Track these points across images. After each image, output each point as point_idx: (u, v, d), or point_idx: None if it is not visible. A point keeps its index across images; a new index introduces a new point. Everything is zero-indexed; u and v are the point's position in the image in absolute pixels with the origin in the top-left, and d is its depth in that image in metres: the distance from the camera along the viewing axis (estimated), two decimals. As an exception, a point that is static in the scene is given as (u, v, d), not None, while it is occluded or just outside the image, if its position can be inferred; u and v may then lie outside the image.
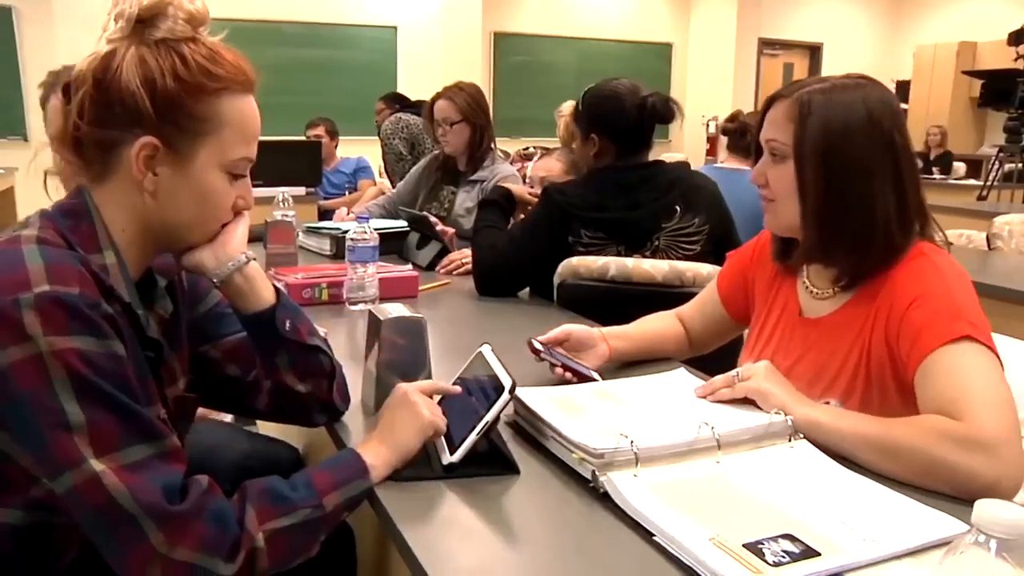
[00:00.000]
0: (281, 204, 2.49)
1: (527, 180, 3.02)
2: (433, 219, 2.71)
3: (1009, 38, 7.91)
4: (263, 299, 1.13)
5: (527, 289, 2.26)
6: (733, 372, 1.26)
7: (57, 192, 1.08)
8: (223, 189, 1.05)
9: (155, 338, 1.04)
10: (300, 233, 2.80)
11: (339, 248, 2.57)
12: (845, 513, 0.96)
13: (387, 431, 1.10)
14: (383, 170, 5.72)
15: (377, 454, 1.06)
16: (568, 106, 2.45)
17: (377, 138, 5.36)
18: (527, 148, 5.91)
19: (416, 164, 3.51)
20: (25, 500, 0.94)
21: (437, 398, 1.20)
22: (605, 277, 2.03)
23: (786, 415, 1.15)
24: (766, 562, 0.85)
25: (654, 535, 0.93)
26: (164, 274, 1.13)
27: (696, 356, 1.66)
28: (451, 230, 2.70)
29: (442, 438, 1.13)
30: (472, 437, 1.08)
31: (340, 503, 1.00)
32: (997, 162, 7.50)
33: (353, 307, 1.97)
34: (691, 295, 1.72)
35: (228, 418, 2.02)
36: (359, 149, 6.51)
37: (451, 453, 1.09)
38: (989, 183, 7.35)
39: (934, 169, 8.52)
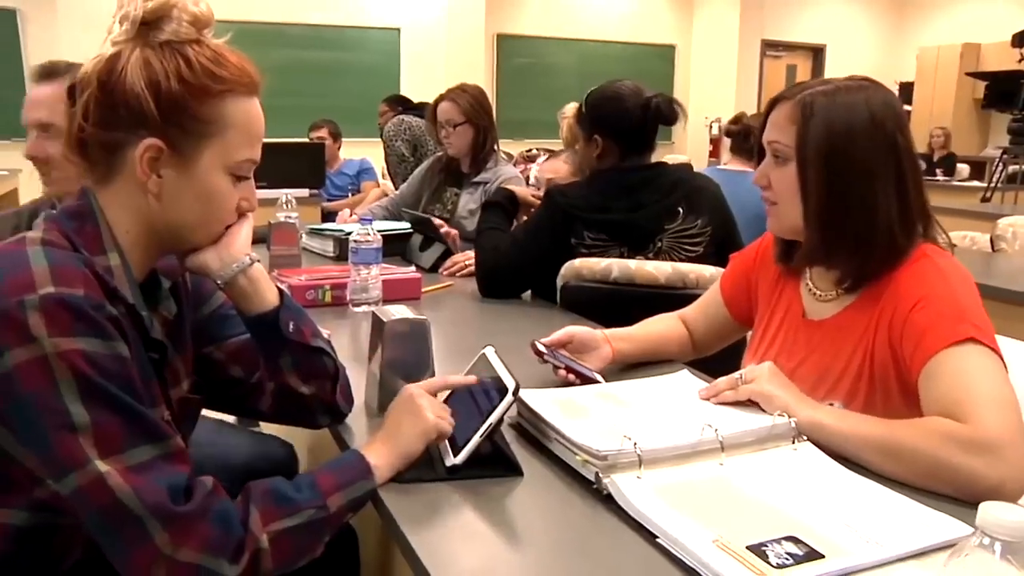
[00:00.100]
0: (284, 206, 2.49)
1: (531, 181, 3.03)
2: (437, 221, 2.71)
3: (1013, 39, 7.91)
4: (267, 301, 1.13)
5: (529, 291, 2.26)
6: (736, 374, 1.26)
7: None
8: (227, 191, 1.05)
9: (159, 339, 1.04)
10: (303, 235, 2.80)
11: (342, 250, 2.58)
12: (849, 515, 0.96)
13: (391, 433, 1.10)
14: (386, 172, 5.73)
15: (380, 455, 1.06)
16: (571, 108, 2.45)
17: (380, 140, 5.37)
18: (530, 150, 5.92)
19: (418, 166, 3.52)
20: (29, 501, 0.95)
21: (444, 395, 1.20)
22: (608, 279, 2.03)
23: (790, 417, 1.15)
24: (770, 564, 0.85)
25: (657, 537, 0.93)
26: (168, 276, 1.13)
27: (699, 358, 1.66)
28: (455, 232, 2.70)
29: (446, 440, 1.13)
30: (476, 439, 1.08)
31: (344, 504, 1.00)
32: (1001, 164, 7.50)
33: (356, 309, 1.98)
34: (694, 297, 1.71)
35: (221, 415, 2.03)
36: (362, 151, 6.52)
37: (454, 455, 1.09)
38: (993, 185, 7.34)
39: (937, 171, 8.51)
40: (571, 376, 1.43)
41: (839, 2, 11.90)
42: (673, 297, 1.90)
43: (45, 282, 0.89)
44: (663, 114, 2.14)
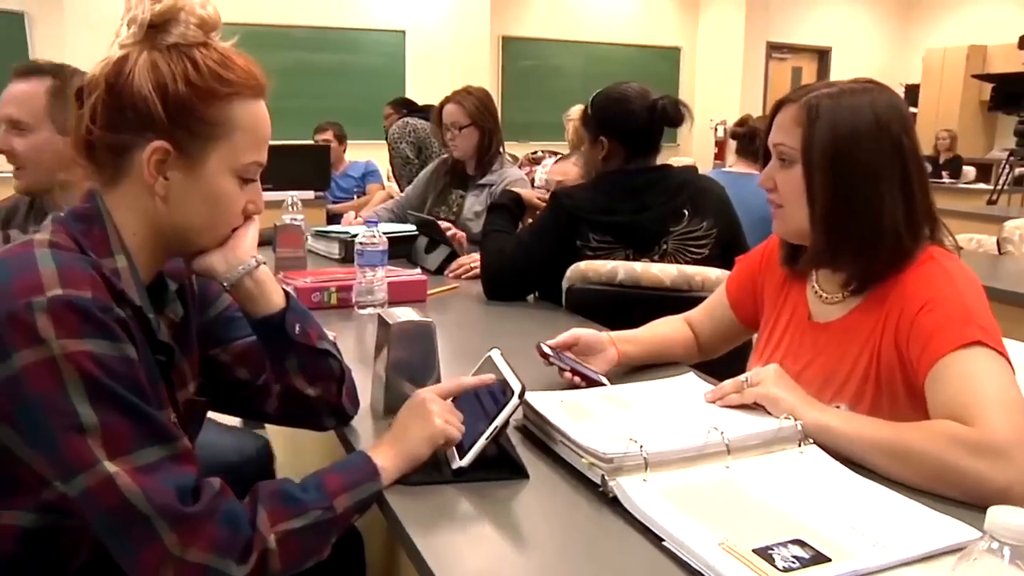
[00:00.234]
0: (290, 208, 2.49)
1: (536, 183, 3.03)
2: (445, 224, 2.71)
3: (1020, 41, 7.89)
4: (273, 303, 1.13)
5: (535, 293, 2.26)
6: (742, 377, 1.26)
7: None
8: (234, 193, 1.06)
9: (166, 342, 1.05)
10: (309, 237, 2.81)
11: (348, 252, 2.58)
12: (855, 518, 0.96)
13: (399, 436, 1.10)
14: (391, 174, 5.73)
15: (387, 457, 1.06)
16: (576, 110, 2.45)
17: (385, 142, 5.37)
18: (535, 152, 5.91)
19: (423, 168, 3.52)
20: (36, 503, 0.95)
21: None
22: (613, 281, 2.03)
23: (796, 420, 1.15)
24: (776, 567, 0.85)
25: (663, 540, 0.93)
26: (175, 278, 1.13)
27: (705, 360, 1.66)
28: (463, 234, 2.70)
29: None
30: (481, 441, 1.08)
31: (351, 505, 1.00)
32: (1007, 166, 7.48)
33: (362, 311, 1.98)
34: (699, 299, 1.71)
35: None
36: (367, 153, 6.53)
37: (460, 458, 1.09)
38: (999, 187, 7.32)
39: (943, 173, 8.49)
40: (576, 379, 1.43)
41: (844, 4, 11.88)
42: (678, 299, 1.89)
43: (53, 284, 0.89)
44: (669, 116, 2.13)
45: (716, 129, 10.51)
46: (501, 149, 3.15)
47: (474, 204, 3.06)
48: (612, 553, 0.93)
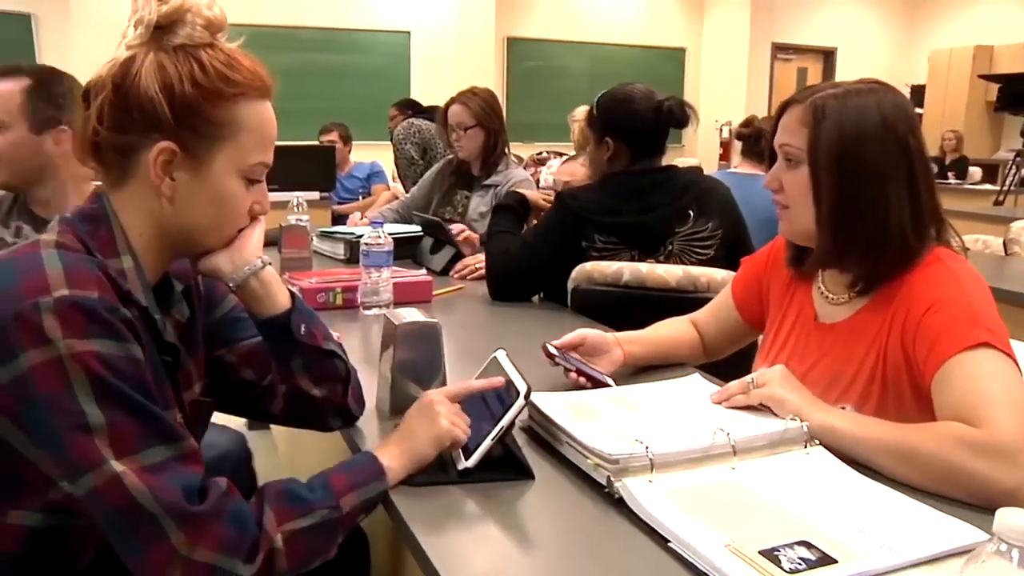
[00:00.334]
0: (295, 209, 2.50)
1: (541, 184, 3.02)
2: (458, 227, 2.70)
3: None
4: (278, 303, 1.13)
5: (540, 294, 2.26)
6: (748, 378, 1.26)
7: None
8: (240, 194, 1.06)
9: (172, 342, 1.05)
10: (314, 238, 2.81)
11: (353, 253, 2.58)
12: (862, 520, 0.96)
13: (405, 436, 1.10)
14: (396, 175, 5.74)
15: (393, 457, 1.06)
16: (582, 111, 2.45)
17: (390, 143, 5.38)
18: (540, 153, 5.92)
19: (428, 169, 3.52)
20: (43, 503, 0.95)
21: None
22: (619, 282, 2.03)
23: (802, 421, 1.14)
24: (782, 569, 0.85)
25: (669, 541, 0.93)
26: (181, 279, 1.13)
27: (710, 362, 1.66)
28: (475, 235, 2.69)
29: (458, 445, 1.13)
30: (487, 442, 1.08)
31: (357, 504, 1.00)
32: (1014, 167, 7.46)
33: (367, 312, 1.98)
34: (705, 300, 1.71)
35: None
36: (372, 154, 6.53)
37: (466, 458, 1.09)
38: (1006, 188, 7.31)
39: (949, 174, 8.47)
40: (582, 379, 1.43)
41: (850, 5, 11.86)
42: (684, 301, 1.89)
43: (59, 285, 0.89)
44: (675, 117, 2.13)
45: (721, 130, 10.51)
46: (506, 150, 3.15)
47: (479, 205, 3.06)
48: (618, 554, 0.93)
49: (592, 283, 2.05)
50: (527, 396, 1.09)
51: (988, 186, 8.15)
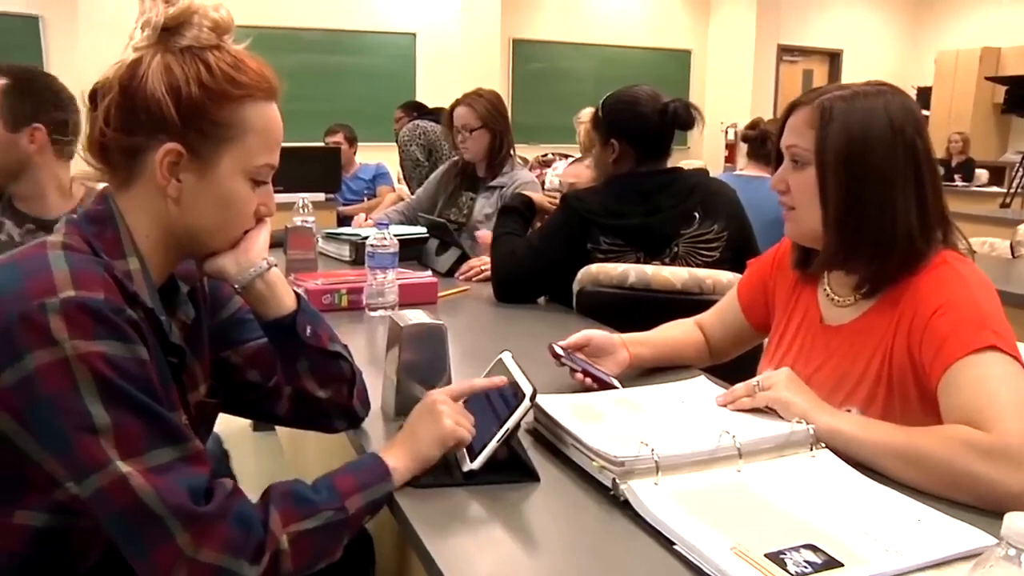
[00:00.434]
0: (301, 210, 2.50)
1: (547, 186, 3.02)
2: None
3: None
4: (284, 305, 1.14)
5: (545, 296, 2.26)
6: (754, 380, 1.25)
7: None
8: (246, 196, 1.06)
9: (177, 344, 1.05)
10: (320, 239, 2.81)
11: (359, 254, 2.58)
12: (868, 523, 0.95)
13: (409, 437, 1.10)
14: (402, 176, 5.74)
15: (398, 459, 1.06)
16: (587, 112, 2.44)
17: (396, 144, 5.39)
18: (546, 154, 5.91)
19: (433, 170, 3.52)
20: (49, 503, 0.95)
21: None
22: (624, 284, 2.02)
23: (808, 424, 1.14)
24: (788, 572, 0.85)
25: (675, 544, 0.93)
26: (186, 280, 1.13)
27: (716, 364, 1.66)
28: (488, 234, 2.68)
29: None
30: (492, 444, 1.08)
31: (362, 506, 1.00)
32: (1021, 169, 7.44)
33: (373, 313, 1.98)
34: (710, 303, 1.71)
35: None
36: (378, 155, 6.54)
37: (471, 460, 1.09)
38: (1012, 190, 7.29)
39: (956, 176, 8.45)
40: (588, 380, 1.43)
41: (856, 6, 11.85)
42: (689, 303, 1.89)
43: (66, 286, 0.89)
44: (680, 119, 2.13)
45: (727, 132, 10.50)
46: (511, 152, 3.15)
47: (484, 206, 3.06)
48: (623, 556, 0.93)
49: (598, 285, 2.05)
50: (533, 398, 1.09)
51: (995, 188, 8.14)
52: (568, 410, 1.23)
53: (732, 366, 1.64)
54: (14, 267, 0.93)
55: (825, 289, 1.40)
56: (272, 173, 1.08)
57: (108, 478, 0.86)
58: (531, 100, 10.19)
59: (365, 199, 5.80)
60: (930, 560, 0.88)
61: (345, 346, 1.23)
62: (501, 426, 1.09)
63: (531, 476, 1.11)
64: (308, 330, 1.15)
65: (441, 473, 1.09)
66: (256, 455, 3.30)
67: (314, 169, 5.16)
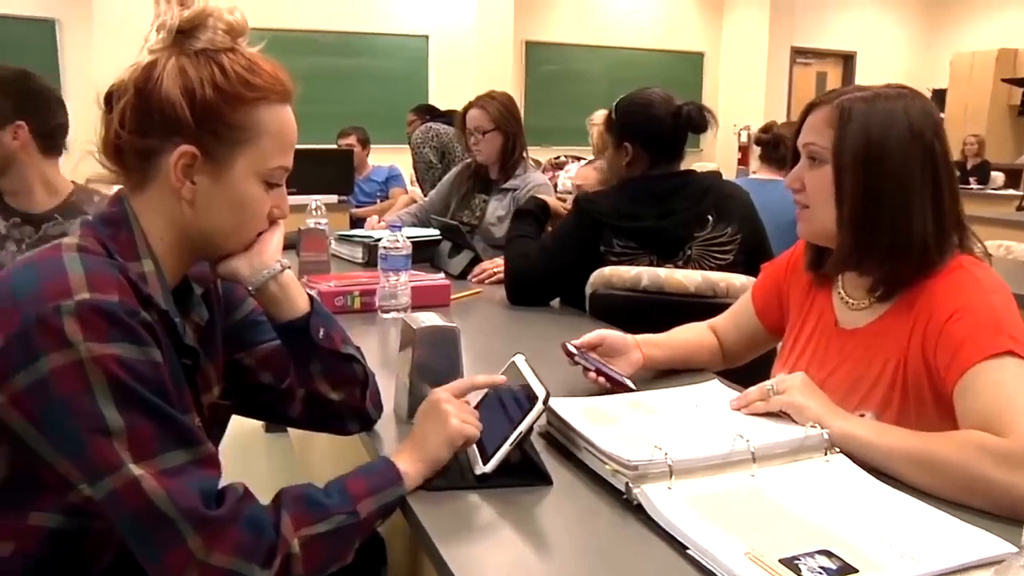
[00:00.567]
0: (314, 212, 2.51)
1: (559, 189, 3.02)
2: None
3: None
4: (297, 307, 1.14)
5: (558, 299, 2.25)
6: (768, 384, 1.25)
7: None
8: (260, 198, 1.06)
9: (191, 346, 1.05)
10: (332, 241, 2.82)
11: (371, 256, 2.59)
12: (883, 529, 0.95)
13: (418, 441, 1.10)
14: (414, 179, 5.75)
15: (409, 462, 1.06)
16: (600, 115, 2.44)
17: (408, 146, 5.40)
18: (558, 157, 5.92)
19: (446, 173, 3.52)
20: (63, 505, 0.96)
21: (475, 399, 1.20)
22: (637, 287, 2.02)
23: (822, 428, 1.13)
24: (803, 578, 0.84)
25: (688, 548, 0.92)
26: (200, 282, 1.14)
27: (729, 368, 1.65)
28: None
29: (475, 448, 1.12)
30: (505, 447, 1.08)
31: (374, 510, 1.00)
32: (1037, 172, 7.37)
33: (385, 315, 1.98)
34: (724, 306, 1.70)
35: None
36: (390, 157, 6.55)
37: (484, 463, 1.09)
38: (1028, 193, 7.23)
39: (971, 179, 8.39)
40: (601, 379, 1.42)
41: (870, 8, 11.79)
42: (703, 306, 1.88)
43: (80, 288, 0.90)
44: (694, 121, 2.13)
45: (740, 135, 10.47)
46: (524, 154, 3.15)
47: (497, 208, 3.06)
48: (636, 561, 0.92)
49: (611, 288, 2.04)
50: (546, 401, 1.09)
51: (1011, 191, 8.07)
52: (581, 413, 1.23)
53: (746, 370, 1.63)
54: (29, 269, 0.94)
55: (840, 292, 1.39)
56: (286, 175, 1.09)
57: (121, 480, 0.87)
58: (544, 102, 10.19)
59: (378, 201, 5.82)
60: (946, 567, 0.87)
61: (358, 348, 1.23)
62: (514, 429, 1.09)
63: (544, 479, 1.10)
64: (321, 332, 1.15)
65: (454, 476, 1.09)
66: (268, 456, 3.32)
67: (327, 171, 5.18)
